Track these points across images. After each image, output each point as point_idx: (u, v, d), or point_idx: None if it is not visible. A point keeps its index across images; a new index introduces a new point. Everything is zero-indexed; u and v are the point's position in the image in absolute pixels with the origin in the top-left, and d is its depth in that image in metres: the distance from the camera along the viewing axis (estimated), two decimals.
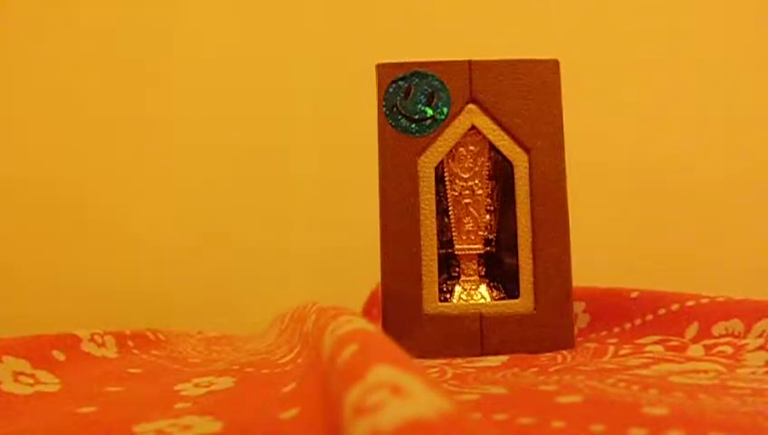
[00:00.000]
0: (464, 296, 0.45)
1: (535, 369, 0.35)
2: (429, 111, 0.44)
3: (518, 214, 0.44)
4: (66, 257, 0.86)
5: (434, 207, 0.44)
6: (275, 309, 0.65)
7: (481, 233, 0.46)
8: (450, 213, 0.46)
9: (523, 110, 0.44)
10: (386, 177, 0.44)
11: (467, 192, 0.45)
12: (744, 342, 0.37)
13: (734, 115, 0.88)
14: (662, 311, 0.43)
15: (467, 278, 0.46)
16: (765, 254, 0.84)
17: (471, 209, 0.45)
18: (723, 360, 0.35)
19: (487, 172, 0.45)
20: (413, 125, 0.44)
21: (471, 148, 0.45)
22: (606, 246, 0.82)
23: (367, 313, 0.67)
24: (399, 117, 0.44)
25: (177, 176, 0.89)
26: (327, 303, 0.39)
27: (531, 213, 0.44)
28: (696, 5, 0.90)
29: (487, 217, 0.46)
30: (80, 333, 0.42)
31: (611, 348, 0.40)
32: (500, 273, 0.46)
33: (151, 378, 0.37)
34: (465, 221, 0.45)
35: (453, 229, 0.46)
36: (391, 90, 0.44)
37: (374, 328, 0.23)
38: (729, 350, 0.36)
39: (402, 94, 0.44)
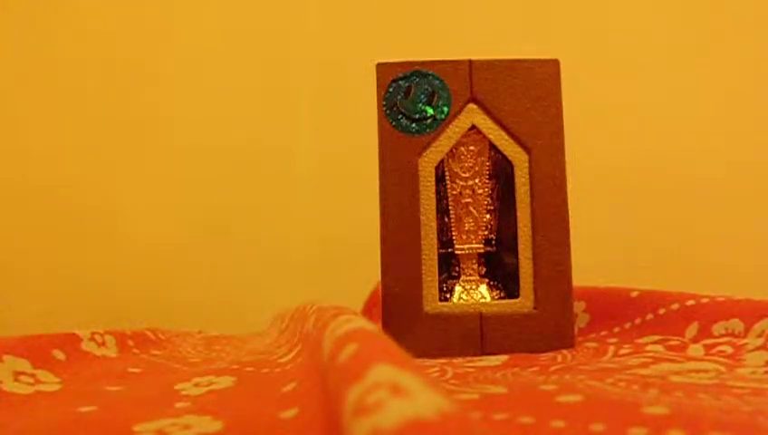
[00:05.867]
0: (464, 296, 0.45)
1: (535, 368, 0.35)
2: (430, 111, 0.44)
3: (518, 213, 0.44)
4: (66, 257, 0.86)
5: (434, 207, 0.44)
6: (275, 309, 0.65)
7: (481, 232, 0.46)
8: (450, 212, 0.46)
9: (523, 109, 0.44)
10: (386, 176, 0.44)
11: (468, 191, 0.45)
12: (743, 341, 0.37)
13: (734, 115, 0.88)
14: (662, 310, 0.43)
15: (467, 278, 0.46)
16: (765, 254, 0.84)
17: (471, 209, 0.45)
18: (723, 359, 0.35)
19: (487, 172, 0.45)
20: (413, 124, 0.44)
21: (471, 147, 0.45)
22: (606, 246, 0.82)
23: (367, 312, 0.67)
24: (400, 116, 0.44)
25: (176, 175, 0.89)
26: (327, 303, 0.39)
27: (531, 213, 0.44)
28: (695, 5, 0.90)
29: (487, 216, 0.46)
30: (80, 333, 0.42)
31: (611, 348, 0.40)
32: (500, 272, 0.46)
33: (151, 377, 0.37)
34: (466, 221, 0.45)
35: (453, 229, 0.46)
36: (391, 89, 0.44)
37: (374, 327, 0.23)
38: (729, 349, 0.36)
39: (402, 94, 0.44)
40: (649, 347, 0.39)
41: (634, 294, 0.46)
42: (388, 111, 0.44)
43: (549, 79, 0.44)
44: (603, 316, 0.47)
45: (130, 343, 0.46)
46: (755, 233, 0.85)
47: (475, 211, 0.46)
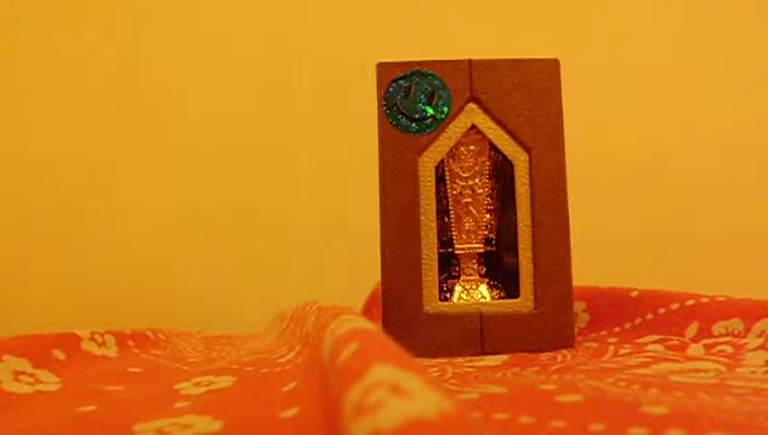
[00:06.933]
0: (464, 296, 0.45)
1: (535, 368, 0.35)
2: (430, 111, 0.44)
3: (518, 213, 0.44)
4: (66, 257, 0.86)
5: (434, 207, 0.44)
6: (275, 309, 0.65)
7: (481, 232, 0.46)
8: (450, 212, 0.46)
9: (523, 109, 0.44)
10: (386, 176, 0.44)
11: (468, 191, 0.45)
12: (744, 341, 0.37)
13: (734, 115, 0.88)
14: (662, 310, 0.43)
15: (467, 277, 0.46)
16: (765, 254, 0.84)
17: (471, 209, 0.45)
18: (723, 359, 0.35)
19: (487, 171, 0.45)
20: (413, 124, 0.44)
21: (471, 147, 0.45)
22: (606, 246, 0.82)
23: (367, 312, 0.67)
24: (400, 116, 0.44)
25: (176, 175, 0.89)
26: (327, 303, 0.39)
27: (531, 212, 0.44)
28: (696, 5, 0.90)
29: (487, 216, 0.46)
30: (80, 333, 0.42)
31: (611, 347, 0.40)
32: (500, 272, 0.46)
33: (151, 377, 0.37)
34: (466, 220, 0.45)
35: (453, 229, 0.46)
36: (392, 89, 0.44)
37: (374, 327, 0.23)
38: (729, 349, 0.36)
39: (402, 93, 0.44)
40: (649, 347, 0.39)
41: (634, 294, 0.46)
42: (388, 111, 0.44)
43: (549, 79, 0.44)
44: (603, 316, 0.47)
45: (130, 342, 0.46)
46: (755, 233, 0.85)
47: (474, 211, 0.46)
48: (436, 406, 0.13)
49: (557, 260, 0.43)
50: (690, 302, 0.42)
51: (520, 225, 0.44)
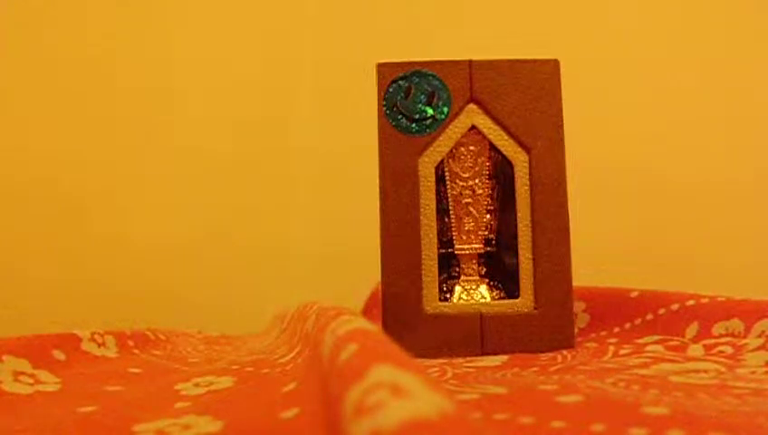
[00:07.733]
0: (464, 296, 0.45)
1: (535, 368, 0.35)
2: (430, 111, 0.44)
3: (518, 213, 0.44)
4: (66, 257, 0.86)
5: (434, 207, 0.44)
6: (275, 309, 0.65)
7: (481, 233, 0.46)
8: (450, 213, 0.46)
9: (523, 110, 0.44)
10: (386, 177, 0.44)
11: (468, 192, 0.45)
12: (744, 341, 0.37)
13: (734, 115, 0.88)
14: (662, 311, 0.43)
15: (467, 278, 0.46)
16: (765, 254, 0.84)
17: (471, 209, 0.45)
18: (723, 359, 0.35)
19: (487, 172, 0.45)
20: (413, 125, 0.44)
21: (471, 147, 0.45)
22: (606, 246, 0.82)
23: (367, 313, 0.67)
24: (400, 116, 0.44)
25: (177, 175, 0.89)
26: (327, 303, 0.39)
27: (531, 213, 0.44)
28: (696, 5, 0.90)
29: (487, 216, 0.46)
30: (80, 333, 0.42)
31: (611, 348, 0.40)
32: (500, 272, 0.46)
33: (151, 377, 0.37)
34: (466, 221, 0.45)
35: (453, 229, 0.46)
36: (391, 89, 0.44)
37: (374, 328, 0.23)
38: (729, 350, 0.36)
39: (402, 94, 0.44)
40: (649, 347, 0.39)
41: (634, 294, 0.46)
42: (388, 111, 0.44)
43: (549, 79, 0.44)
44: (603, 316, 0.47)
45: (130, 343, 0.46)
46: (755, 233, 0.85)
47: (475, 211, 0.46)
48: (436, 406, 0.13)
49: (557, 260, 0.43)
50: (690, 302, 0.42)
51: (520, 225, 0.44)
